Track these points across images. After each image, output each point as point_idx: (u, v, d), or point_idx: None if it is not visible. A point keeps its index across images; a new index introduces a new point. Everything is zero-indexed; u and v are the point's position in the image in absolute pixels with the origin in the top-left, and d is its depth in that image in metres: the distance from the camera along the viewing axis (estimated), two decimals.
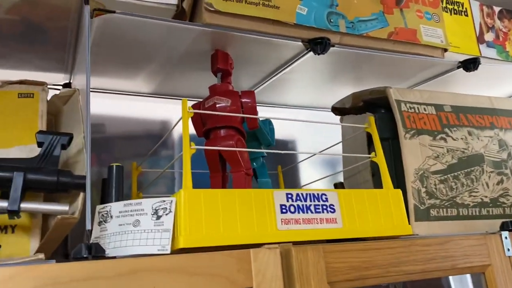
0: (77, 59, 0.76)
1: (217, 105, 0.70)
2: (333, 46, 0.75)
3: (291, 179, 1.10)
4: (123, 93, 0.95)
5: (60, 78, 0.86)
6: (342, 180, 0.98)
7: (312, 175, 1.15)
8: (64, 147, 0.59)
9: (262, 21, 0.70)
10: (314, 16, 0.73)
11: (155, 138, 1.00)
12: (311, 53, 0.77)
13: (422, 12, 0.86)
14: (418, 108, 0.85)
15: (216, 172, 0.70)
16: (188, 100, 1.01)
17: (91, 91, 0.62)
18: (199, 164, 0.75)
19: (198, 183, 0.99)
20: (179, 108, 1.06)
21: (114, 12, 0.61)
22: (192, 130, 0.70)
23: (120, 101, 0.95)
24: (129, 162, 0.82)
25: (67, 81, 0.85)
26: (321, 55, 0.74)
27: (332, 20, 0.75)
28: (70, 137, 0.60)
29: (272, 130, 0.82)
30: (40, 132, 0.58)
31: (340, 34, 0.76)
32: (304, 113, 1.15)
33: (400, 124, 0.80)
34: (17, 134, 0.64)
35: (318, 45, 0.73)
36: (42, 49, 0.74)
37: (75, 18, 0.66)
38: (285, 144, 1.14)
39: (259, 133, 0.79)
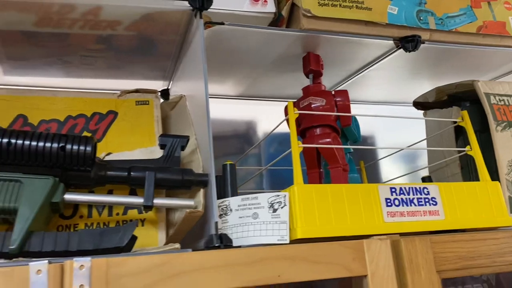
0: (179, 68, 0.83)
1: (313, 105, 0.74)
2: (423, 43, 0.77)
3: (372, 175, 1.12)
4: (213, 96, 1.01)
5: (158, 85, 0.93)
6: (425, 175, 0.99)
7: (391, 170, 1.16)
8: (183, 148, 0.65)
9: (355, 22, 0.73)
10: (405, 15, 0.75)
11: (241, 138, 1.06)
12: (399, 50, 0.79)
13: (511, 4, 0.86)
14: (508, 100, 0.84)
15: (313, 168, 0.75)
16: (273, 100, 1.06)
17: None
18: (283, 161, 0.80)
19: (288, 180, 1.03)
20: (263, 109, 1.11)
21: (223, 23, 0.67)
22: (281, 129, 0.75)
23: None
24: (220, 161, 0.89)
25: (165, 88, 0.93)
26: (412, 52, 0.76)
27: (421, 18, 0.77)
28: (188, 139, 0.66)
29: (357, 127, 0.85)
30: (163, 135, 0.65)
31: (430, 31, 0.77)
32: (382, 109, 1.16)
33: (491, 116, 0.80)
34: (138, 138, 0.71)
35: (410, 43, 0.75)
36: (149, 60, 0.82)
37: (183, 31, 0.72)
38: (365, 140, 1.16)
39: (347, 130, 0.82)
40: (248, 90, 1.00)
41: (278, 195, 0.59)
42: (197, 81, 0.68)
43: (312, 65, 0.77)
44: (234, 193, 0.65)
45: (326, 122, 0.73)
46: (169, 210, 0.66)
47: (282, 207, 0.58)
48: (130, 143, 0.70)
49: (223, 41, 0.73)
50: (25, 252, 0.51)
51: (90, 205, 0.64)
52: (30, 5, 0.60)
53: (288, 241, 0.56)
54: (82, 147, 0.55)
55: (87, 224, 0.63)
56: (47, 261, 0.44)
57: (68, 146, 0.55)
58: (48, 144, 0.54)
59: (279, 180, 1.03)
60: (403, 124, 1.12)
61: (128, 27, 0.68)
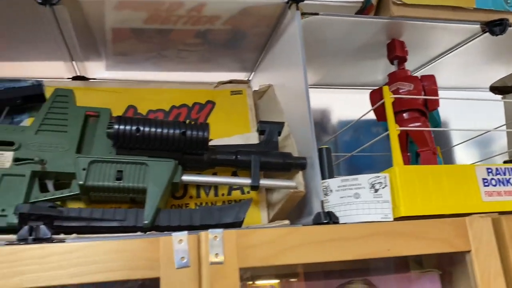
0: (264, 59, 0.87)
1: (401, 90, 0.76)
2: (510, 26, 0.77)
3: (446, 161, 1.12)
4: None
5: (238, 76, 0.98)
6: (506, 159, 0.99)
7: (465, 156, 1.16)
8: (279, 133, 0.70)
9: (443, 8, 0.74)
10: None
11: (316, 126, 1.09)
12: (483, 35, 0.80)
13: None
14: None
15: (402, 152, 0.77)
16: (347, 88, 1.09)
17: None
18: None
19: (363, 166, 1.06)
20: (336, 97, 1.14)
21: (317, 14, 0.70)
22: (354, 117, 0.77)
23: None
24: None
25: (246, 79, 0.97)
26: (499, 36, 0.77)
27: (509, 1, 0.77)
28: (283, 125, 0.70)
29: (437, 112, 0.87)
30: (261, 122, 0.69)
31: None
32: (455, 94, 1.16)
33: None
34: (234, 125, 0.76)
35: (497, 27, 0.76)
36: (236, 53, 0.86)
37: (274, 23, 0.76)
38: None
39: (430, 115, 0.83)
40: (324, 79, 1.03)
41: (378, 176, 0.62)
42: (292, 71, 0.72)
43: (397, 52, 0.79)
44: (331, 175, 0.68)
45: (414, 107, 0.75)
46: (268, 191, 0.71)
47: (383, 187, 0.61)
48: (227, 130, 0.75)
49: (312, 31, 0.77)
50: (155, 227, 0.58)
51: (198, 187, 0.70)
52: (144, 3, 0.66)
53: (392, 219, 0.59)
54: (200, 133, 0.60)
55: (196, 203, 0.68)
56: (186, 232, 0.50)
57: (189, 132, 0.60)
58: (171, 131, 0.60)
59: (354, 167, 1.05)
60: (477, 110, 1.11)
61: (226, 21, 0.73)
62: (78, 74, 0.87)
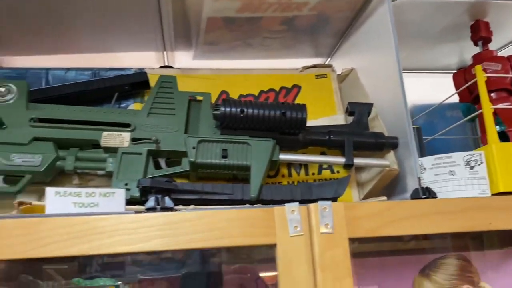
0: (344, 43, 0.89)
1: (488, 70, 0.76)
2: None
3: None
4: None
5: (314, 61, 1.00)
6: None
7: None
8: (368, 114, 0.72)
9: None
10: None
11: None
12: None
13: None
14: None
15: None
16: (420, 72, 1.08)
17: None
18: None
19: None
20: (411, 81, 1.13)
21: None
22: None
23: None
24: None
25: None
26: None
27: None
28: (372, 106, 0.72)
29: None
30: (351, 103, 0.72)
31: None
32: None
33: None
34: (320, 108, 0.79)
35: None
36: (316, 39, 0.89)
37: (358, 7, 0.78)
38: None
39: None
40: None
41: (473, 154, 0.63)
42: (380, 54, 0.74)
43: (482, 32, 0.79)
44: (423, 154, 0.70)
45: (502, 86, 0.75)
46: (357, 171, 0.73)
47: (479, 164, 0.62)
48: (314, 113, 0.78)
49: (394, 14, 0.78)
50: (260, 200, 0.62)
51: (289, 166, 0.73)
52: None
53: (489, 195, 0.60)
54: (299, 114, 0.64)
55: (288, 182, 0.72)
56: (297, 203, 0.54)
57: (288, 113, 0.64)
58: (272, 112, 0.64)
59: (429, 151, 1.06)
60: None
61: (313, 7, 0.76)
62: (166, 64, 0.93)
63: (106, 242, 0.50)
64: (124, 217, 0.51)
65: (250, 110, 0.63)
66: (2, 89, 0.66)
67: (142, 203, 0.60)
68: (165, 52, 0.89)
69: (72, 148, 0.64)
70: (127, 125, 0.65)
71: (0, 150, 0.62)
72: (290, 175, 0.73)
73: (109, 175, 0.67)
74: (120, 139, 0.64)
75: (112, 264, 0.69)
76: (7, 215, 0.53)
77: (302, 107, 0.65)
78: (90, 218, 0.51)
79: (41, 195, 0.66)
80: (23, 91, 0.66)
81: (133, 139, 0.64)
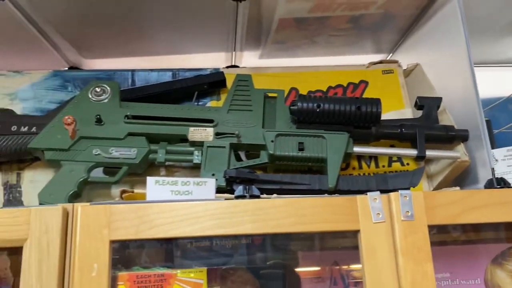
0: (406, 40, 0.91)
1: None
2: None
3: None
4: None
5: (373, 58, 1.03)
6: None
7: None
8: (437, 108, 0.74)
9: None
10: None
11: None
12: None
13: None
14: None
15: None
16: (487, 66, 1.08)
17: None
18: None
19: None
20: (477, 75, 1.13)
21: None
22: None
23: None
24: None
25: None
26: None
27: None
28: (441, 100, 0.74)
29: None
30: (420, 97, 0.74)
31: None
32: None
33: None
34: (388, 102, 0.81)
35: None
36: (378, 35, 0.92)
37: (424, 5, 0.80)
38: None
39: None
40: None
41: None
42: (449, 49, 0.76)
43: None
44: (493, 146, 0.71)
45: None
46: (427, 163, 0.76)
47: None
48: (382, 107, 0.81)
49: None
50: (338, 190, 0.66)
51: (359, 158, 0.77)
52: None
53: None
54: (374, 108, 0.67)
55: (359, 174, 0.75)
56: (378, 192, 0.57)
57: (363, 107, 0.67)
58: (347, 106, 0.67)
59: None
60: None
61: (380, 6, 0.79)
62: (233, 64, 0.98)
63: (205, 225, 0.55)
64: (218, 203, 0.57)
65: (326, 105, 0.67)
66: (98, 90, 0.73)
67: (228, 191, 0.66)
68: (234, 52, 0.94)
69: (162, 142, 0.70)
70: (211, 121, 0.71)
71: (100, 144, 0.69)
72: (360, 167, 0.76)
73: (192, 167, 0.73)
74: (205, 133, 0.70)
75: (192, 251, 0.74)
76: (120, 201, 0.60)
77: (377, 102, 0.68)
78: (189, 204, 0.56)
79: (132, 185, 0.73)
80: (116, 91, 0.73)
81: (217, 134, 0.70)
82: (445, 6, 0.75)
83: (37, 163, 0.73)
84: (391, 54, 1.00)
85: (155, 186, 0.61)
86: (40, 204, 0.64)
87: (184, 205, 0.56)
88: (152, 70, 0.83)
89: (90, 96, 0.72)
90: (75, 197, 0.66)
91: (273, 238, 0.71)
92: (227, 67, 0.96)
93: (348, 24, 0.85)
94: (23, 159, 0.72)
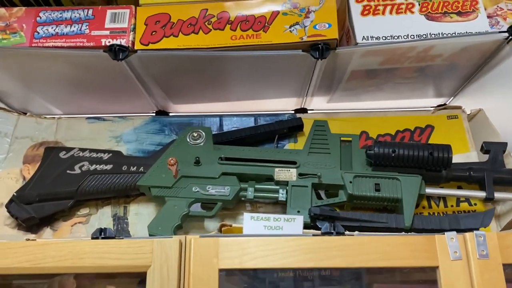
0: (468, 86, 0.97)
1: None
2: None
3: None
4: None
5: (434, 102, 1.09)
6: None
7: None
8: (503, 152, 0.79)
9: None
10: None
11: None
12: None
13: None
14: None
15: None
16: None
17: None
18: None
19: None
20: None
21: None
22: None
23: None
24: None
25: (442, 103, 1.08)
26: None
27: None
28: (506, 145, 0.80)
29: None
30: (486, 142, 0.80)
31: None
32: None
33: None
34: (454, 146, 0.86)
35: None
36: (442, 81, 0.98)
37: (488, 55, 0.87)
38: None
39: None
40: None
41: None
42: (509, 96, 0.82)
43: None
44: None
45: None
46: (494, 203, 0.81)
47: None
48: None
49: None
50: (413, 229, 0.72)
51: (428, 198, 0.83)
52: (385, 51, 0.82)
53: None
54: (446, 154, 0.74)
55: (429, 213, 0.81)
56: (455, 232, 0.63)
57: (435, 153, 0.74)
58: (420, 152, 0.74)
59: None
60: None
61: (446, 58, 0.86)
62: (302, 107, 1.08)
63: (298, 259, 0.63)
64: (308, 238, 0.64)
65: (401, 151, 0.75)
66: (195, 134, 0.84)
67: (311, 227, 0.74)
68: (305, 98, 1.04)
69: (250, 181, 0.80)
70: (294, 163, 0.80)
71: (198, 183, 0.79)
72: (430, 206, 0.82)
73: (273, 202, 0.82)
74: (289, 174, 0.79)
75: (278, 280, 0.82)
76: (225, 235, 0.69)
77: (448, 148, 0.74)
78: (284, 239, 0.64)
79: (222, 218, 0.82)
80: (209, 135, 0.84)
81: (300, 174, 0.78)
82: (508, 58, 0.81)
83: (141, 198, 0.84)
84: (452, 98, 1.06)
85: (251, 221, 0.70)
86: (150, 235, 0.74)
87: (279, 239, 0.64)
88: (236, 115, 0.93)
89: (188, 140, 0.83)
90: (178, 229, 0.76)
91: (351, 270, 0.78)
92: (297, 110, 1.06)
93: (414, 73, 0.92)
94: (129, 194, 0.83)
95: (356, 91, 1.00)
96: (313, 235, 0.67)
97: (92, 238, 0.67)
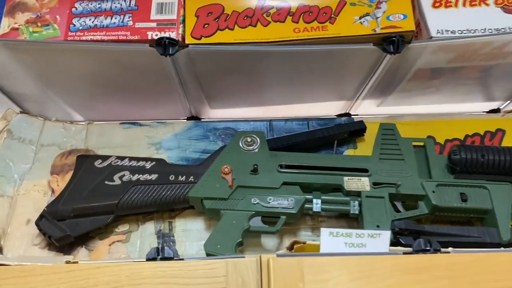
0: None
1: None
2: None
3: None
4: None
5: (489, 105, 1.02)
6: None
7: None
8: None
9: None
10: None
11: None
12: None
13: None
14: None
15: None
16: None
17: None
18: None
19: None
20: None
21: None
22: None
23: None
24: None
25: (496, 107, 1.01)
26: None
27: None
28: None
29: None
30: None
31: None
32: None
33: None
34: None
35: None
36: (499, 84, 0.91)
37: None
38: None
39: None
40: None
41: None
42: None
43: None
44: None
45: None
46: None
47: None
48: None
49: None
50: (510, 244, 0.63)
51: None
52: (458, 46, 0.74)
53: None
54: None
55: None
56: None
57: None
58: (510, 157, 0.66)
59: None
60: None
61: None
62: (346, 112, 0.99)
63: (400, 280, 0.53)
64: (407, 257, 0.55)
65: (491, 156, 0.66)
66: (249, 140, 0.74)
67: (393, 244, 0.64)
68: (354, 101, 0.95)
69: (315, 192, 0.71)
70: (365, 170, 0.71)
71: (257, 194, 0.69)
72: None
73: (336, 216, 0.73)
74: (361, 183, 0.69)
75: None
76: (304, 254, 0.59)
77: None
78: (377, 258, 0.55)
79: (281, 235, 0.72)
80: (263, 141, 0.75)
81: (374, 183, 0.69)
82: None
83: (188, 211, 0.74)
84: (508, 102, 0.99)
85: (329, 238, 0.61)
86: (208, 254, 0.64)
87: (373, 259, 0.55)
88: (287, 119, 0.84)
89: (241, 145, 0.74)
90: (239, 247, 0.66)
91: None
92: (339, 115, 0.97)
93: (479, 73, 0.85)
94: (174, 208, 0.73)
95: (413, 93, 0.92)
96: (404, 253, 0.58)
97: (148, 259, 0.56)
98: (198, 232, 0.72)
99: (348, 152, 0.81)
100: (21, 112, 0.82)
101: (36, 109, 0.88)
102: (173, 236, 0.72)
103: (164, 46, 0.68)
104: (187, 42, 0.70)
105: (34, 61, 0.77)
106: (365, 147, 0.81)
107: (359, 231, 0.61)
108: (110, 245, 0.71)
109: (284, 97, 0.95)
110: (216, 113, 0.99)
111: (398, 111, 0.98)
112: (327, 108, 0.99)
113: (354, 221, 0.72)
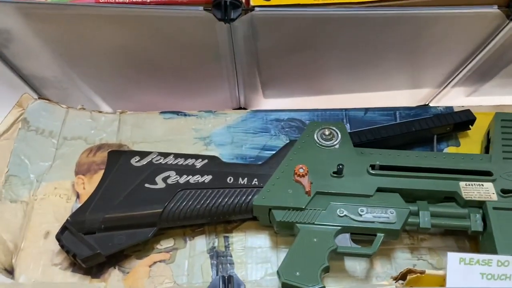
0: None
1: None
2: None
3: None
4: None
5: None
6: None
7: None
8: None
9: None
10: None
11: None
12: None
13: None
14: None
15: None
16: None
17: None
18: None
19: None
20: None
21: None
22: None
23: None
24: None
25: None
26: None
27: None
28: None
29: None
30: None
31: None
32: None
33: None
34: None
35: None
36: None
37: None
38: None
39: None
40: None
41: None
42: None
43: None
44: None
45: None
46: None
47: None
48: None
49: None
50: None
51: None
52: None
53: None
54: None
55: None
56: None
57: None
58: None
59: None
60: None
61: None
62: (424, 103, 0.82)
63: None
64: None
65: None
66: (327, 133, 0.58)
67: None
68: (441, 89, 0.78)
69: (419, 201, 0.53)
70: (488, 173, 0.53)
71: (342, 202, 0.52)
72: None
73: (442, 233, 0.56)
74: (484, 191, 0.52)
75: None
76: None
77: None
78: None
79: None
80: (345, 134, 0.58)
81: (502, 191, 0.52)
82: None
83: (248, 223, 0.57)
84: None
85: (459, 266, 0.44)
86: (284, 285, 0.48)
87: None
88: (367, 109, 0.68)
89: (316, 140, 0.57)
90: (325, 273, 0.49)
91: None
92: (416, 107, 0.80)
93: None
94: (231, 219, 0.57)
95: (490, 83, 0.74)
96: None
97: None
98: (262, 252, 0.55)
99: (449, 150, 0.63)
100: (39, 98, 0.67)
101: (56, 98, 0.73)
102: (231, 256, 0.55)
103: (225, 8, 0.52)
104: (252, 4, 0.54)
105: (55, 34, 0.62)
106: (470, 144, 0.63)
107: (502, 258, 0.44)
108: (150, 266, 0.55)
109: (344, 85, 0.78)
110: (268, 104, 0.83)
111: (493, 101, 0.80)
112: (398, 99, 0.82)
113: (469, 240, 0.55)
